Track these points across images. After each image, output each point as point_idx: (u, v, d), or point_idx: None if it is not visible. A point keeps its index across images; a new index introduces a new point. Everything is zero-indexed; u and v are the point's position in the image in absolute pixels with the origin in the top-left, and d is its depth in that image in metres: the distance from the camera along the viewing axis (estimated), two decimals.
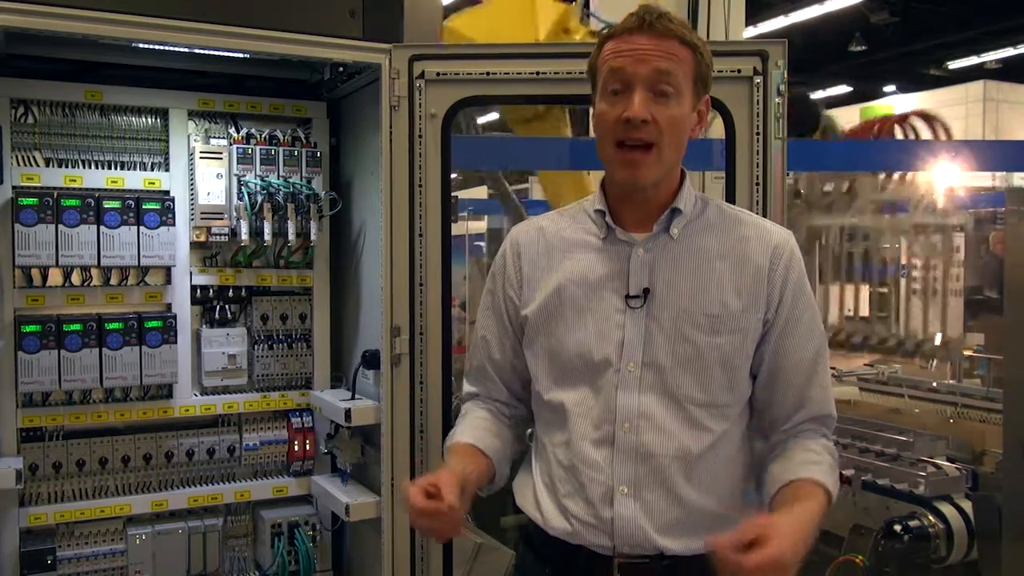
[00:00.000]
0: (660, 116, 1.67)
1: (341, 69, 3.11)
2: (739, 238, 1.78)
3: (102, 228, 2.99)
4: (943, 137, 4.81)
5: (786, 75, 2.73)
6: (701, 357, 1.72)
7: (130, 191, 3.14)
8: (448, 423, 2.86)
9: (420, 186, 2.80)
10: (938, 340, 4.53)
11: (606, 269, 1.78)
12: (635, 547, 1.71)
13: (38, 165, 3.08)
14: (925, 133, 5.12)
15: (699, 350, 1.72)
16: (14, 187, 2.99)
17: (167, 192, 3.20)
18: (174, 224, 3.11)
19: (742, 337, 1.74)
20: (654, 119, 1.66)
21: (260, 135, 3.27)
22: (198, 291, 3.31)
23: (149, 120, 3.23)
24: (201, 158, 3.17)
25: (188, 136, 3.26)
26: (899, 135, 5.10)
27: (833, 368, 5.07)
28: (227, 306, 3.38)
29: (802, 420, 1.78)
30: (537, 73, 2.77)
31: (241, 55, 3.00)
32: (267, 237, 3.20)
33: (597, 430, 1.73)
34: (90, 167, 3.14)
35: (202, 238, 3.23)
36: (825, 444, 1.77)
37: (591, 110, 1.80)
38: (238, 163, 3.18)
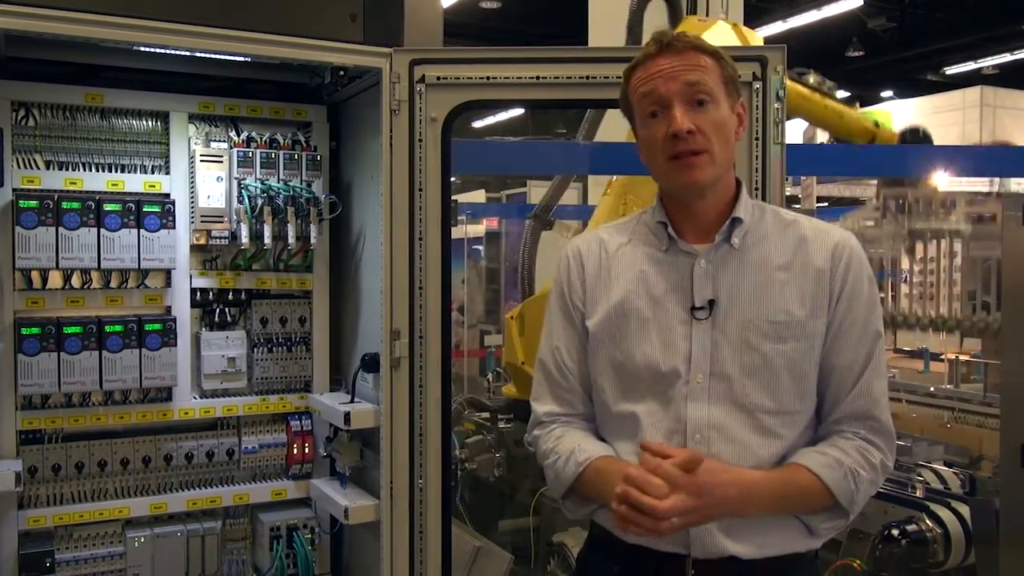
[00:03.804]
0: (703, 123, 1.71)
1: (342, 73, 3.12)
2: (799, 242, 1.79)
3: (102, 231, 3.00)
4: None
5: (785, 80, 2.75)
6: (769, 365, 1.72)
7: (130, 194, 3.15)
8: (447, 426, 2.86)
9: (420, 190, 2.81)
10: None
11: (669, 281, 1.79)
12: (708, 552, 1.71)
13: (39, 168, 3.08)
14: None
15: (766, 359, 1.72)
16: (14, 190, 2.99)
17: (167, 195, 3.20)
18: (174, 227, 3.11)
19: (809, 343, 1.74)
20: (698, 128, 1.70)
21: (260, 138, 3.27)
22: (198, 294, 3.32)
23: (150, 123, 3.24)
24: (201, 161, 3.18)
25: (188, 139, 3.27)
26: None
27: None
28: (227, 309, 3.39)
29: (841, 418, 1.76)
30: (537, 78, 2.78)
31: (242, 59, 3.01)
32: (267, 240, 3.20)
33: (668, 441, 1.73)
34: (91, 170, 3.15)
35: (202, 241, 3.24)
36: (858, 445, 1.74)
37: (636, 141, 1.83)
38: (238, 166, 3.19)
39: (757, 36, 4.12)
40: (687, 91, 1.71)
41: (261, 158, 3.22)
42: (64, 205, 2.95)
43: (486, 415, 4.61)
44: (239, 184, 3.18)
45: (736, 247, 1.78)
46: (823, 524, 1.74)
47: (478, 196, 9.83)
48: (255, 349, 3.40)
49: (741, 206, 1.79)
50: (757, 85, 2.71)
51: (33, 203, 2.91)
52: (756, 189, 2.72)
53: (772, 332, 1.72)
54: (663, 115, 1.73)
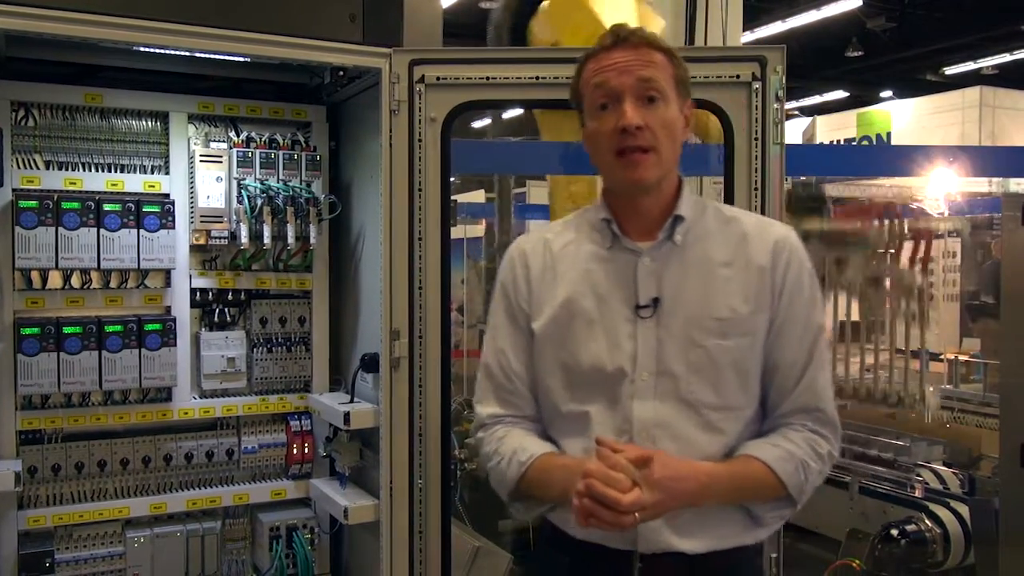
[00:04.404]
0: (652, 121, 1.72)
1: (341, 73, 3.12)
2: (740, 239, 1.80)
3: (102, 231, 3.00)
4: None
5: (784, 80, 2.75)
6: (713, 362, 1.74)
7: (130, 194, 3.15)
8: (447, 426, 2.86)
9: (420, 190, 2.80)
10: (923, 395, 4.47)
11: (613, 279, 1.79)
12: (654, 548, 1.73)
13: (38, 168, 3.08)
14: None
15: (711, 355, 1.73)
16: (14, 190, 2.99)
17: (167, 195, 3.20)
18: (174, 227, 3.11)
19: (752, 339, 1.76)
20: (647, 125, 1.71)
21: (260, 139, 3.27)
22: (197, 294, 3.31)
23: (149, 123, 3.24)
24: (201, 161, 3.18)
25: (188, 139, 3.27)
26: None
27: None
28: (226, 309, 3.39)
29: (788, 411, 1.79)
30: (536, 78, 2.78)
31: (241, 59, 3.01)
32: (266, 240, 3.20)
33: (616, 439, 1.73)
34: (90, 170, 3.15)
35: (202, 241, 3.23)
36: (807, 437, 1.77)
37: (583, 133, 1.84)
38: (238, 166, 3.19)
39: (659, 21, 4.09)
40: (639, 86, 1.72)
41: (261, 158, 3.22)
42: (64, 205, 2.95)
43: None
44: (239, 184, 3.18)
45: (679, 244, 1.79)
46: (770, 513, 1.77)
47: (478, 196, 9.82)
48: (255, 349, 3.40)
49: (683, 203, 1.80)
50: (756, 85, 2.71)
51: (33, 203, 2.91)
52: (756, 189, 2.72)
53: (716, 328, 1.74)
54: (613, 108, 1.73)
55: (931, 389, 4.48)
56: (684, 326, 1.74)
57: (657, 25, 3.98)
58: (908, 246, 4.82)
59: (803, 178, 5.24)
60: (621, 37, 1.75)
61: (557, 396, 1.82)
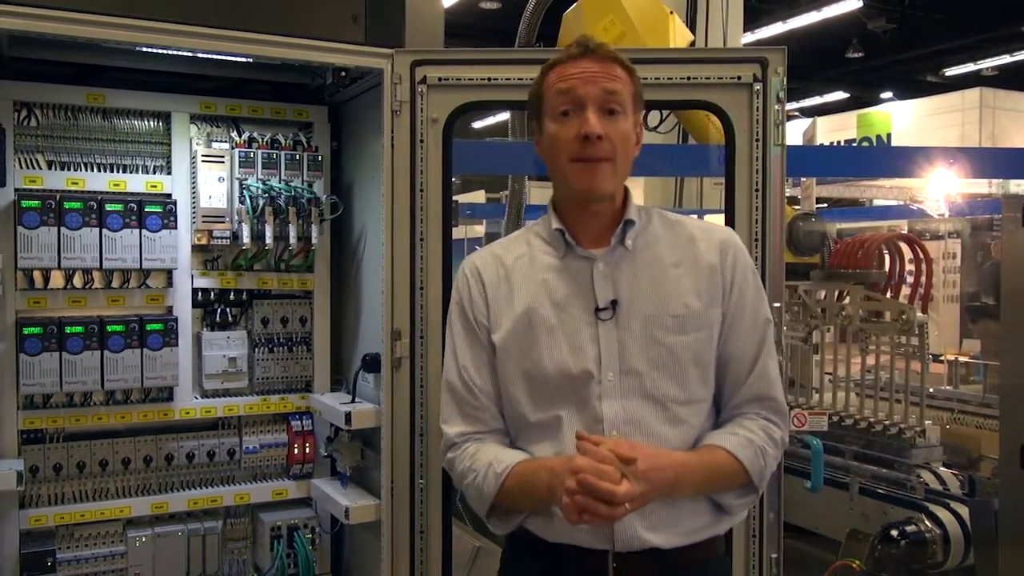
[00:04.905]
0: (612, 132, 1.78)
1: (343, 74, 3.12)
2: (688, 241, 1.88)
3: (104, 231, 3.00)
4: (923, 259, 4.75)
5: (785, 82, 2.76)
6: (675, 357, 1.80)
7: (132, 194, 3.16)
8: None
9: (421, 190, 2.81)
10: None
11: (570, 286, 1.84)
12: (630, 546, 1.76)
13: (40, 168, 3.09)
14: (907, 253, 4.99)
15: (672, 351, 1.80)
16: (16, 189, 2.99)
17: (169, 195, 3.21)
18: (176, 227, 3.12)
19: (708, 333, 1.84)
20: (607, 136, 1.77)
21: (262, 139, 3.28)
22: (199, 294, 3.32)
23: (151, 123, 3.25)
24: (203, 161, 3.18)
25: (190, 139, 3.27)
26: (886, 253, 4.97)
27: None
28: (228, 309, 3.39)
29: (742, 402, 1.87)
30: None
31: (243, 59, 3.02)
32: (268, 240, 3.21)
33: None
34: (92, 170, 3.16)
35: (204, 241, 3.24)
36: (762, 424, 1.84)
37: (537, 135, 1.89)
38: (240, 167, 3.20)
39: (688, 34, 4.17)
40: (603, 98, 1.78)
41: (263, 158, 3.23)
42: (66, 205, 2.96)
43: None
44: (240, 184, 3.19)
45: (630, 248, 1.85)
46: (736, 501, 1.83)
47: (478, 196, 9.85)
48: (256, 349, 3.41)
49: (632, 210, 1.86)
50: (757, 87, 2.72)
51: (35, 203, 2.92)
52: (756, 190, 2.72)
53: (674, 325, 1.80)
54: (576, 116, 1.78)
55: (930, 422, 4.50)
56: (643, 325, 1.80)
57: (685, 37, 4.02)
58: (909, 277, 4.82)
59: (803, 211, 5.19)
60: (590, 48, 1.81)
61: (523, 406, 1.84)
